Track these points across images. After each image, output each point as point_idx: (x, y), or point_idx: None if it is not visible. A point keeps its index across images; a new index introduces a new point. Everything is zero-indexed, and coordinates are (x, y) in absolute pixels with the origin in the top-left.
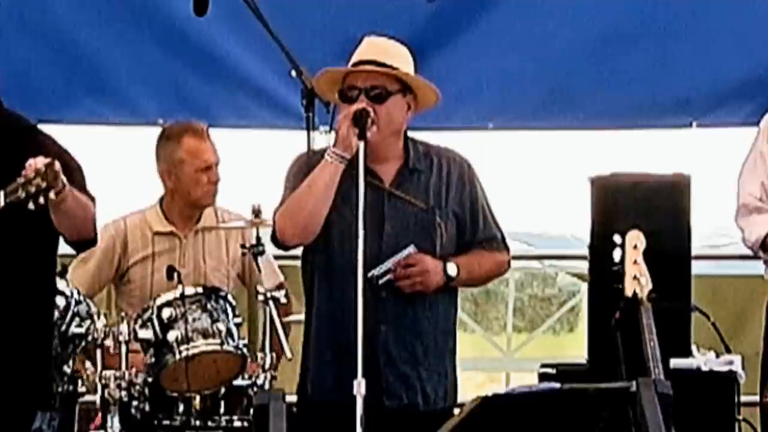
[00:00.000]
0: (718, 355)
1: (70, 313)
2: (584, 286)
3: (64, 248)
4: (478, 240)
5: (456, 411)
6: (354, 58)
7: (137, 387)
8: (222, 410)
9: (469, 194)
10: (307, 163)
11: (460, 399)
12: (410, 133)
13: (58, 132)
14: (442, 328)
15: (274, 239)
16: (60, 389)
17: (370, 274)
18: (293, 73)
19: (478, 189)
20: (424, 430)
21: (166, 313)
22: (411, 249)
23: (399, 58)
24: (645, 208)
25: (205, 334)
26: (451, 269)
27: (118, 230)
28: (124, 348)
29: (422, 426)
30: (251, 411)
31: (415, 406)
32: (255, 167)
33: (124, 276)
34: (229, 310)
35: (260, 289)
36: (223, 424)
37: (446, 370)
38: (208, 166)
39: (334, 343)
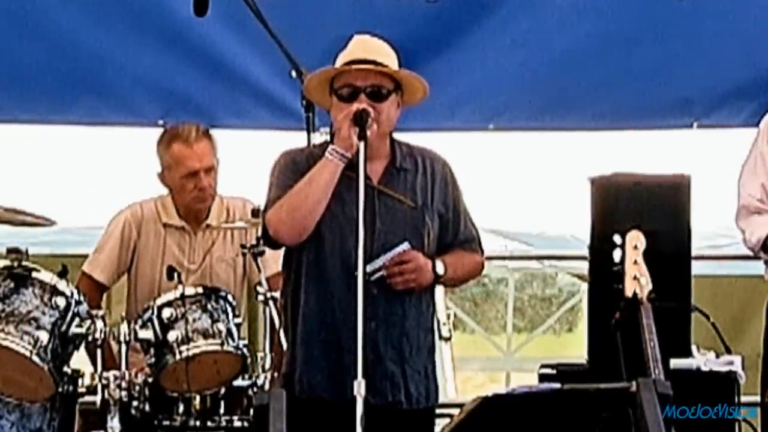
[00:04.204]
0: (718, 356)
1: (70, 313)
2: (584, 286)
3: (64, 248)
4: (459, 241)
5: (437, 411)
6: (345, 57)
7: (137, 387)
8: (222, 410)
9: (452, 194)
10: (294, 160)
11: (460, 399)
12: (409, 134)
13: (58, 132)
14: (425, 326)
15: (266, 238)
16: (60, 389)
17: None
18: (293, 73)
19: (459, 189)
20: (405, 429)
21: (167, 313)
22: (405, 246)
23: (389, 57)
24: (645, 208)
25: (206, 335)
26: (440, 267)
27: (134, 215)
28: (124, 348)
29: (403, 425)
30: (251, 411)
31: (398, 404)
32: (255, 168)
33: (134, 263)
34: (229, 310)
35: (260, 289)
36: (223, 424)
37: (427, 368)
38: (192, 173)
39: (324, 341)
